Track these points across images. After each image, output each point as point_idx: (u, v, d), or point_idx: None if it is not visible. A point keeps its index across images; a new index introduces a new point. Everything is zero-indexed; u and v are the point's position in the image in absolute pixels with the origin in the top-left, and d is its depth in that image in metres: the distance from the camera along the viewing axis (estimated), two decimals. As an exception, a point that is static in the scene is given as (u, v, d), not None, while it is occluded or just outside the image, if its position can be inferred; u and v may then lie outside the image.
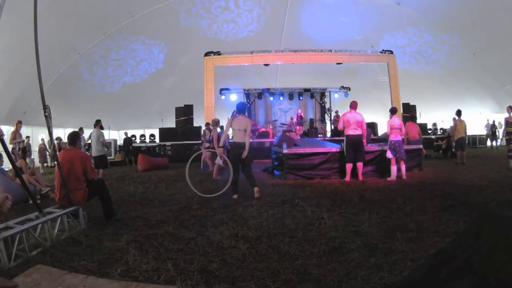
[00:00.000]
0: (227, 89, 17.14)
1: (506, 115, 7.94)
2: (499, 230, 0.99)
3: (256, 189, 4.95)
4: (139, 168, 10.27)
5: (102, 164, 8.30)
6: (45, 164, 11.73)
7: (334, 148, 7.01)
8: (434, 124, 18.50)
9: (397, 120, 6.57)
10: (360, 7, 15.34)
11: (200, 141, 10.72)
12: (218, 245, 2.81)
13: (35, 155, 12.27)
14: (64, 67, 13.82)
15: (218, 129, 8.40)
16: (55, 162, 3.89)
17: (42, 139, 12.58)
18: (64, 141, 13.57)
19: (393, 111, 6.81)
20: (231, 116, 14.72)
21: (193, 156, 6.15)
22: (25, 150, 7.26)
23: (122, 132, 18.78)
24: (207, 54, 12.52)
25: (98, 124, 8.47)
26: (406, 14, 15.14)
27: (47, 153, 12.62)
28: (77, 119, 15.60)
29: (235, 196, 4.97)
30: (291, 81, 18.58)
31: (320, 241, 2.83)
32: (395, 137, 6.42)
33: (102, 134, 8.38)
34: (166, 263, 2.42)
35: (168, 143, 14.42)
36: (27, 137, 11.20)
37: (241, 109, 5.25)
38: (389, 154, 6.40)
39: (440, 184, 5.58)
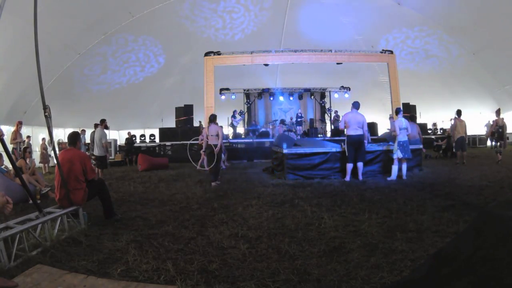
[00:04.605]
0: (227, 89, 17.15)
1: (503, 115, 8.62)
2: (499, 230, 0.99)
3: (212, 183, 6.33)
4: (139, 168, 10.27)
5: (102, 164, 8.27)
6: (47, 165, 11.70)
7: (334, 148, 7.01)
8: (434, 124, 18.49)
9: (405, 120, 6.56)
10: (360, 7, 15.33)
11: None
12: (218, 245, 2.81)
13: (35, 155, 12.25)
14: (64, 67, 13.81)
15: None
16: (55, 162, 3.90)
17: (43, 139, 12.56)
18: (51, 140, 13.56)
19: (398, 111, 6.81)
20: (232, 116, 14.93)
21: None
22: (26, 150, 7.26)
23: (122, 132, 18.82)
24: (207, 54, 12.51)
25: (103, 124, 8.26)
26: (406, 14, 15.12)
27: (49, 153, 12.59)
28: (77, 119, 15.63)
29: (213, 183, 6.29)
30: (291, 81, 18.58)
31: (320, 241, 2.83)
32: (403, 137, 6.43)
33: (105, 135, 8.23)
34: (166, 263, 2.42)
35: (168, 143, 14.42)
36: (28, 137, 11.18)
37: (212, 119, 6.86)
38: (399, 154, 6.38)
39: (440, 184, 5.57)
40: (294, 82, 18.36)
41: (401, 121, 6.50)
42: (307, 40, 16.09)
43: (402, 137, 6.43)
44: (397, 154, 6.39)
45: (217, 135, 6.67)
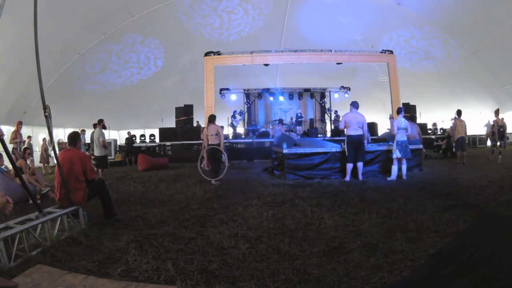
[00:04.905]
0: (227, 89, 17.14)
1: (503, 115, 8.64)
2: (499, 230, 0.99)
3: (212, 181, 6.41)
4: (139, 168, 10.27)
5: (103, 164, 8.30)
6: (46, 165, 11.68)
7: (334, 148, 7.01)
8: (434, 124, 18.48)
9: (404, 120, 6.54)
10: (360, 7, 15.34)
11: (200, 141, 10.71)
12: (218, 245, 2.81)
13: (35, 155, 12.23)
14: (64, 67, 13.81)
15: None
16: (55, 162, 3.90)
17: (44, 139, 12.55)
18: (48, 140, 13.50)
19: (399, 111, 6.81)
20: (232, 116, 14.92)
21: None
22: (26, 151, 7.26)
23: (122, 132, 18.80)
24: (207, 54, 12.49)
25: (101, 124, 8.44)
26: (406, 14, 15.13)
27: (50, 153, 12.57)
28: (77, 119, 15.60)
29: (213, 182, 6.38)
30: (291, 81, 18.57)
31: (320, 241, 2.83)
32: (402, 137, 6.43)
33: (103, 134, 8.39)
34: (166, 263, 2.42)
35: (168, 143, 14.42)
36: (29, 137, 11.17)
37: (211, 119, 6.90)
38: (398, 154, 6.38)
39: (440, 184, 5.57)
40: (294, 82, 18.36)
41: (401, 121, 6.50)
42: (307, 40, 16.09)
43: (400, 136, 6.43)
44: (396, 154, 6.39)
45: (217, 134, 6.72)
